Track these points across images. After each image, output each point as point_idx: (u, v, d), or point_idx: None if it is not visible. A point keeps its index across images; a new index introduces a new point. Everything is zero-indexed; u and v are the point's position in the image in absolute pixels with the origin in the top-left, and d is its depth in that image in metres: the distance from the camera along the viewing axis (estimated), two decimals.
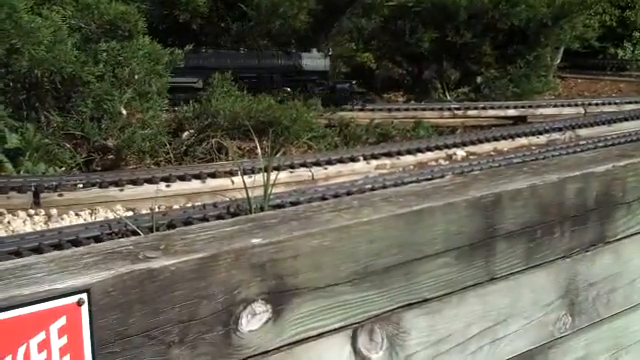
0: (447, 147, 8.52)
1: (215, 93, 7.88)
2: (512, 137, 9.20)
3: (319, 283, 1.25)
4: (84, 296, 1.00)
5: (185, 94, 8.21)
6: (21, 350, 0.97)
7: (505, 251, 1.52)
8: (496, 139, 9.05)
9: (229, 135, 7.71)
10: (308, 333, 1.26)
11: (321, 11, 9.89)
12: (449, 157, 8.34)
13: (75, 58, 6.87)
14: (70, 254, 1.09)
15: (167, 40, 8.14)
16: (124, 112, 7.09)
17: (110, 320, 1.03)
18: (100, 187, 6.20)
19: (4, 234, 5.30)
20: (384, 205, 1.38)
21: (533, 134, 9.39)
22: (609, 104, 11.63)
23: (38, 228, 5.52)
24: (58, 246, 4.79)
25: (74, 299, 1.00)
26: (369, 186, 6.47)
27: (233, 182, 6.52)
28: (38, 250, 4.64)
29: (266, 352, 1.20)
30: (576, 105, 11.50)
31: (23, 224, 5.60)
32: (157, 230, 4.92)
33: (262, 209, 5.38)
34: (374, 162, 7.74)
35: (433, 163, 8.09)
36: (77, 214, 5.88)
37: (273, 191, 5.70)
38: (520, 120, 10.63)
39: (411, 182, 6.05)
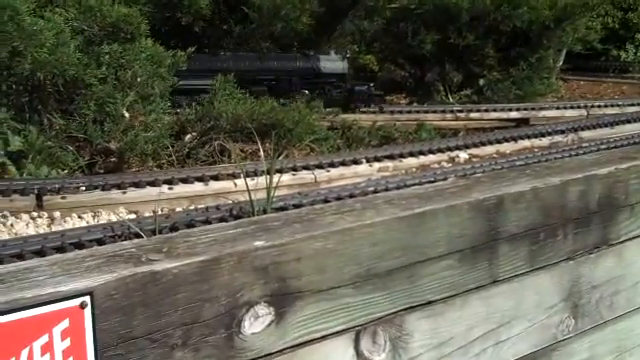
0: (450, 149, 8.50)
1: (217, 95, 7.87)
2: (515, 139, 9.18)
3: (322, 286, 1.25)
4: (87, 299, 1.00)
5: (199, 96, 8.19)
6: (24, 353, 0.97)
7: (508, 253, 1.52)
8: (499, 141, 9.03)
9: (232, 138, 7.70)
10: (311, 336, 1.26)
11: (323, 13, 9.88)
12: (452, 159, 8.33)
13: (78, 61, 6.87)
14: (73, 257, 1.09)
15: (169, 43, 8.14)
16: (127, 115, 7.08)
17: (113, 323, 1.03)
18: (103, 190, 6.19)
19: (7, 237, 5.30)
20: (387, 208, 1.38)
21: (536, 136, 9.36)
22: (612, 106, 11.61)
23: (41, 231, 5.52)
24: (61, 249, 4.79)
25: (77, 302, 1.00)
26: (372, 189, 6.46)
27: (236, 185, 6.52)
28: (41, 253, 4.63)
29: (269, 355, 1.20)
30: (578, 107, 11.47)
31: (26, 227, 5.60)
32: (160, 233, 4.92)
33: (265, 212, 5.37)
34: (377, 164, 7.73)
35: (436, 165, 8.08)
36: (80, 217, 5.88)
37: (276, 194, 5.69)
38: (523, 122, 10.60)
39: (414, 185, 6.03)
